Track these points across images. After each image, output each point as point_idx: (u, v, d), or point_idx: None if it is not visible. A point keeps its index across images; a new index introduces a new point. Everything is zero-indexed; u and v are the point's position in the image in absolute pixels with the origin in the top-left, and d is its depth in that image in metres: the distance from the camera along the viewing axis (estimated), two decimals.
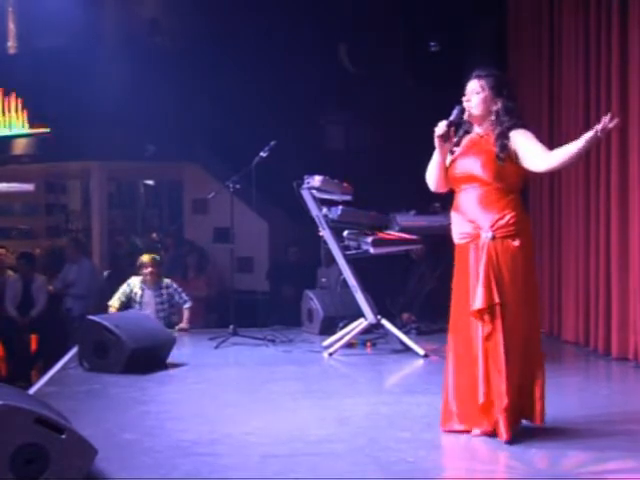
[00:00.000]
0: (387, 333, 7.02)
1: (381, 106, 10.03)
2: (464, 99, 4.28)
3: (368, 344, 7.20)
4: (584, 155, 4.36)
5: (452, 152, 4.32)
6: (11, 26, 11.95)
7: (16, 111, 11.58)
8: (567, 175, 7.22)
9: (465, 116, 4.29)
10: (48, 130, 11.37)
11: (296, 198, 6.82)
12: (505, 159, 4.14)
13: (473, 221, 4.19)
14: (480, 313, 4.09)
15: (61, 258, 10.70)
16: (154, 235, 14.04)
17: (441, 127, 4.25)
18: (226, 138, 10.14)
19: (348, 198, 6.82)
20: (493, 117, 4.23)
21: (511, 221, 4.13)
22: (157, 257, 8.28)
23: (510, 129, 4.17)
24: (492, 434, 4.09)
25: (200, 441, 4.16)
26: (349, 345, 6.90)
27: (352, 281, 6.91)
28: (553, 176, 7.27)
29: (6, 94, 11.61)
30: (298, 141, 9.73)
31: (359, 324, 6.85)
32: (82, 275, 9.87)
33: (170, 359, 6.40)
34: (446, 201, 4.65)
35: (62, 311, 9.74)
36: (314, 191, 6.72)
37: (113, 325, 6.05)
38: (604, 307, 6.67)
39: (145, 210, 16.02)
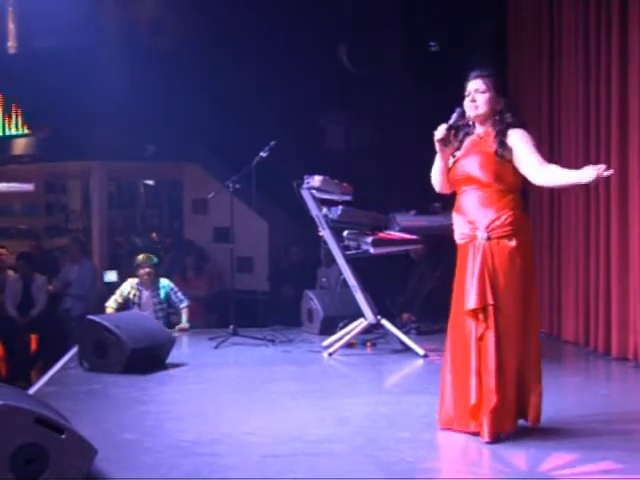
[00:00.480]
0: (387, 333, 7.02)
1: (381, 106, 10.03)
2: (468, 99, 4.25)
3: (368, 344, 7.20)
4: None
5: (454, 156, 4.32)
6: (11, 26, 11.94)
7: (16, 112, 11.58)
8: None
9: (467, 116, 4.27)
10: (48, 129, 11.38)
11: (296, 198, 6.82)
12: (504, 156, 4.15)
13: (472, 222, 4.19)
14: (474, 313, 4.09)
15: (52, 258, 10.69)
16: (154, 235, 14.05)
17: (441, 131, 4.24)
18: (226, 138, 10.13)
19: (348, 198, 6.82)
20: (497, 116, 4.23)
21: (507, 221, 4.13)
22: (153, 257, 8.28)
23: (509, 127, 4.18)
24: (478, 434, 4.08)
25: (200, 441, 4.16)
26: (349, 345, 6.90)
27: (352, 281, 6.91)
28: None
29: (6, 94, 11.61)
30: (298, 141, 9.73)
31: (359, 324, 6.85)
32: (82, 275, 9.88)
33: (170, 359, 6.40)
34: (446, 201, 4.66)
35: (60, 311, 9.74)
36: (314, 191, 6.72)
37: (113, 325, 6.04)
38: (604, 307, 6.67)
39: (145, 210, 16.04)
